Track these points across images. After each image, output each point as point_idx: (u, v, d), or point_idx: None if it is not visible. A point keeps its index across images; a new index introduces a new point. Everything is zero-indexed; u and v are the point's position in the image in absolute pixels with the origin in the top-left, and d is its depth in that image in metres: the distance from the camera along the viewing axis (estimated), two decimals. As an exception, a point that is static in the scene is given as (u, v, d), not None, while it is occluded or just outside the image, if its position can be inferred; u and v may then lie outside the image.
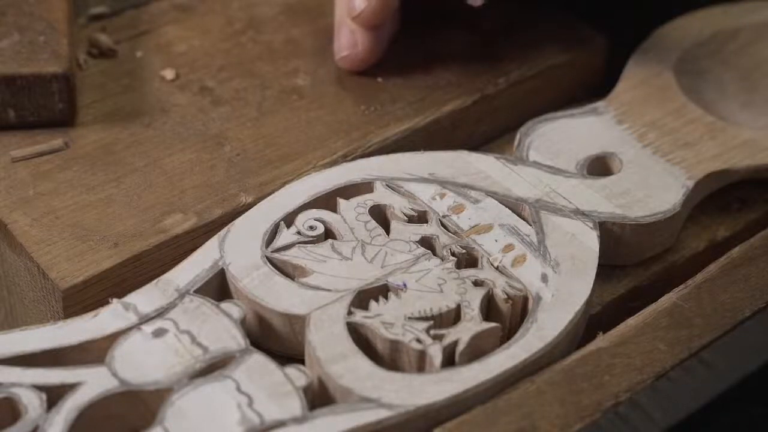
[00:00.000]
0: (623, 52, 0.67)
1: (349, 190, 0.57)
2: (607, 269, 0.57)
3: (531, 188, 0.58)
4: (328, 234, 0.56)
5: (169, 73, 0.65)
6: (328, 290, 0.52)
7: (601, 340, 0.52)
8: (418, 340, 0.50)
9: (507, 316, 0.53)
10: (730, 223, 0.61)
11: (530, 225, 0.56)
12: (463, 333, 0.51)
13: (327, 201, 0.57)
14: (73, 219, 0.57)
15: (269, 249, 0.54)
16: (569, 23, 0.70)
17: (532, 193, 0.57)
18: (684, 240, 0.60)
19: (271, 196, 0.57)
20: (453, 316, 0.52)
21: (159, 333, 0.51)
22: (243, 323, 0.51)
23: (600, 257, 0.55)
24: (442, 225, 0.56)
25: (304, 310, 0.52)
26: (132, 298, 0.52)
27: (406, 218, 0.56)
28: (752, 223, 0.61)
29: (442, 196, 0.57)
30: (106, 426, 0.49)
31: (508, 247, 0.55)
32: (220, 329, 0.51)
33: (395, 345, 0.51)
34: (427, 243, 0.55)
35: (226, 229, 0.55)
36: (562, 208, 0.57)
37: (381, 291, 0.53)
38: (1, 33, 0.62)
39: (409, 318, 0.51)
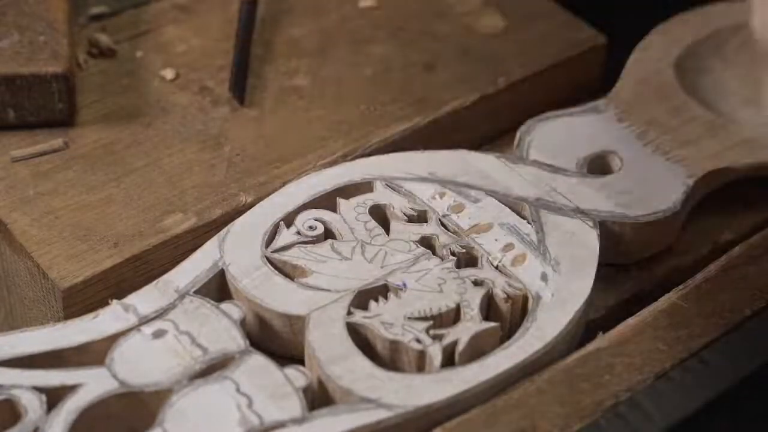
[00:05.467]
0: (623, 51, 0.67)
1: (349, 190, 0.57)
2: (610, 273, 0.56)
3: (531, 187, 0.58)
4: (328, 234, 0.56)
5: (169, 73, 0.65)
6: (328, 290, 0.52)
7: (601, 340, 0.52)
8: (418, 340, 0.50)
9: (507, 315, 0.53)
10: (735, 227, 0.61)
11: (530, 224, 0.56)
12: (462, 333, 0.51)
13: (327, 201, 0.57)
14: (73, 219, 0.57)
15: (269, 249, 0.54)
16: (569, 23, 0.70)
17: (532, 192, 0.57)
18: (688, 244, 0.60)
19: (271, 196, 0.57)
20: (453, 316, 0.52)
21: (159, 334, 0.51)
22: (243, 324, 0.51)
23: (600, 256, 0.55)
24: (442, 224, 0.56)
25: (304, 311, 0.51)
26: (132, 299, 0.52)
27: (405, 218, 0.56)
28: (757, 227, 0.60)
29: (441, 195, 0.57)
30: (106, 427, 0.49)
31: (508, 247, 0.55)
32: (219, 330, 0.51)
33: (395, 345, 0.51)
34: (426, 242, 0.55)
35: (226, 229, 0.55)
36: (563, 207, 0.57)
37: (381, 291, 0.53)
38: (1, 33, 0.62)
39: (409, 318, 0.51)
